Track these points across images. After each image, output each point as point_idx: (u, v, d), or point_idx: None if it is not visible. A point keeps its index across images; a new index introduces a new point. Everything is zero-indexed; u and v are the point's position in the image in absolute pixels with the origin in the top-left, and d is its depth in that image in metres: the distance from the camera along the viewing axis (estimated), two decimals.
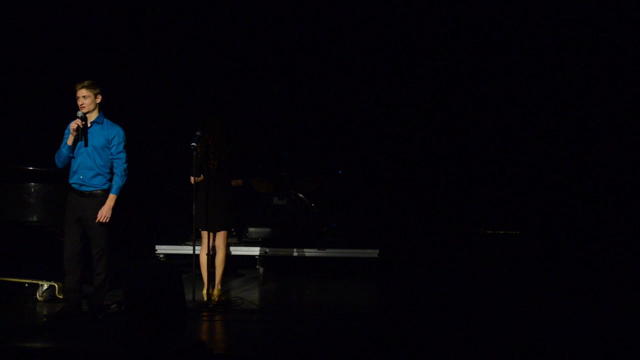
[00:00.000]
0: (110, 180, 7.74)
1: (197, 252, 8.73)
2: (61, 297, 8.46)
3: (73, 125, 7.64)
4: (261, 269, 11.29)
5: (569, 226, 13.24)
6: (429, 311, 8.48)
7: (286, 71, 13.72)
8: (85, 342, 7.02)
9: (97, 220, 7.63)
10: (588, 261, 11.88)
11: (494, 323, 7.81)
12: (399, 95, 13.80)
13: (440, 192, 13.85)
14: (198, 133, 8.53)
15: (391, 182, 13.96)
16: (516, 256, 12.54)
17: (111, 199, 7.69)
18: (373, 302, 9.32)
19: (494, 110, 13.65)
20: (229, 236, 8.96)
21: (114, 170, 7.75)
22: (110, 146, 7.74)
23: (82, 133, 7.69)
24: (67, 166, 7.81)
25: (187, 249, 11.10)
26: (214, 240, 8.78)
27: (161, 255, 11.54)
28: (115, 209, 7.75)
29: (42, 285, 8.81)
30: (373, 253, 11.28)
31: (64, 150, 7.73)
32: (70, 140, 7.69)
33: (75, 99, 7.74)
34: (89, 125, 7.75)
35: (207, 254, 8.71)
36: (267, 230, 12.00)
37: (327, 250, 11.48)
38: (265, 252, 11.34)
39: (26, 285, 9.07)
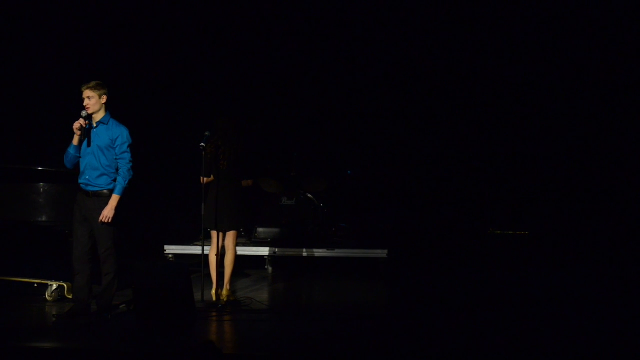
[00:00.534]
0: (116, 180, 7.77)
1: (206, 252, 8.73)
2: (70, 297, 8.48)
3: (76, 125, 7.68)
4: (270, 269, 11.30)
5: (578, 226, 13.19)
6: (438, 311, 8.46)
7: (295, 71, 13.70)
8: (94, 342, 7.03)
9: (99, 220, 7.65)
10: (597, 261, 11.83)
11: (504, 323, 7.79)
12: (408, 96, 13.77)
13: (449, 192, 13.82)
14: (207, 133, 8.53)
15: (400, 182, 13.93)
16: (525, 256, 12.50)
17: (114, 199, 7.70)
18: (382, 302, 9.29)
19: (504, 110, 13.61)
20: (237, 236, 8.95)
21: (119, 170, 7.77)
22: (115, 146, 7.76)
23: (85, 133, 7.72)
24: (77, 167, 7.84)
25: (196, 249, 11.10)
26: (223, 240, 8.78)
27: (170, 256, 11.55)
28: (122, 209, 7.77)
29: (51, 285, 8.83)
30: (382, 253, 11.28)
31: (70, 151, 7.78)
32: (75, 140, 7.74)
33: (81, 99, 7.78)
34: (94, 125, 7.78)
35: (216, 254, 8.71)
36: (276, 230, 12.01)
37: (336, 250, 11.48)
38: (274, 252, 11.35)
39: (35, 285, 9.09)
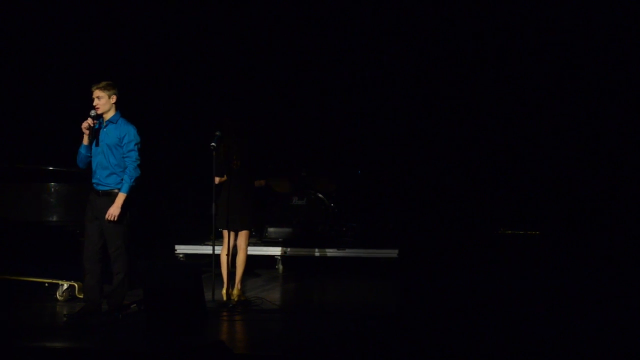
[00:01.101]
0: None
1: (217, 252, 8.73)
2: (81, 296, 8.49)
3: (84, 124, 7.72)
4: (281, 269, 11.30)
5: (589, 226, 13.15)
6: (449, 311, 8.44)
7: (306, 71, 13.69)
8: (105, 342, 7.04)
9: (105, 219, 7.67)
10: (608, 261, 11.80)
11: (514, 323, 7.76)
12: (418, 96, 13.75)
13: (460, 191, 13.79)
14: (217, 133, 8.52)
15: (410, 182, 13.91)
16: (536, 256, 12.47)
17: (120, 198, 7.71)
18: (393, 302, 9.28)
19: (514, 109, 13.58)
20: (249, 236, 8.94)
21: (126, 168, 7.78)
22: (122, 144, 7.78)
23: (94, 133, 7.75)
24: (90, 166, 7.87)
25: (206, 249, 11.10)
26: (234, 240, 8.77)
27: (181, 255, 11.56)
28: (132, 208, 7.79)
29: (62, 285, 8.85)
30: (392, 253, 11.27)
31: (81, 151, 7.83)
32: (85, 140, 7.78)
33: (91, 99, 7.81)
34: (104, 124, 7.80)
35: (227, 254, 8.70)
36: (286, 230, 12.02)
37: (347, 250, 11.48)
38: (285, 252, 11.35)
39: (46, 285, 9.12)
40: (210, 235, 8.68)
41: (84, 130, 7.73)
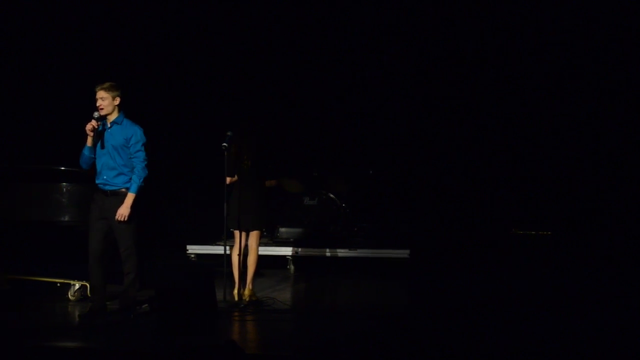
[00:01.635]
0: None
1: (228, 252, 8.73)
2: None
3: (88, 126, 7.70)
4: (292, 269, 11.30)
5: (601, 226, 13.11)
6: (461, 311, 8.42)
7: (319, 70, 13.68)
8: (116, 342, 7.04)
9: (115, 219, 7.69)
10: (621, 262, 11.75)
11: (526, 324, 7.74)
12: (431, 97, 13.73)
13: (471, 192, 13.76)
14: (229, 133, 8.51)
15: (422, 182, 13.89)
16: (548, 257, 12.44)
17: (129, 198, 7.73)
18: (404, 303, 9.28)
19: (526, 108, 13.54)
20: (260, 236, 8.93)
21: (134, 168, 7.81)
22: (129, 145, 7.80)
23: (98, 134, 7.76)
24: (94, 167, 7.88)
25: (218, 249, 11.13)
26: (246, 240, 8.77)
27: (192, 255, 11.57)
28: (142, 208, 7.81)
29: (73, 284, 8.86)
30: (404, 253, 11.26)
31: (85, 152, 7.82)
32: (89, 142, 7.76)
33: (94, 100, 7.81)
34: (109, 125, 7.81)
35: (238, 254, 8.70)
36: (298, 230, 12.02)
37: (358, 250, 11.48)
38: (297, 252, 11.35)
39: (58, 285, 9.14)
40: (222, 235, 8.68)
41: (88, 132, 7.73)
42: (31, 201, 8.69)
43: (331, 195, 12.47)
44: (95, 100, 7.76)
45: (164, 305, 7.36)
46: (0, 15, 12.61)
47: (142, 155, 7.82)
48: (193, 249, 11.59)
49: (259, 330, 7.66)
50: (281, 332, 7.56)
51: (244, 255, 8.74)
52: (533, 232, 13.54)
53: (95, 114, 7.72)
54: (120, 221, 7.69)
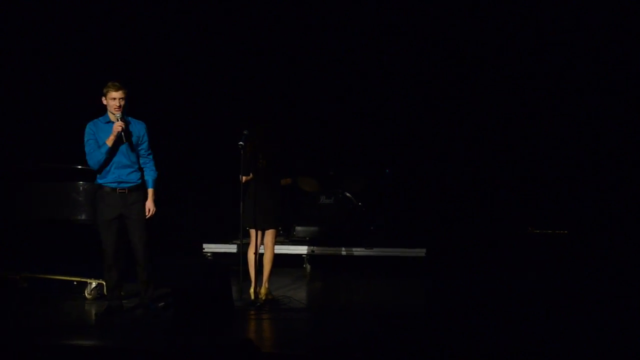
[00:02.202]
0: (142, 175, 7.94)
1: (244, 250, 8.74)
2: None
3: (118, 128, 7.70)
4: (308, 268, 11.29)
5: (618, 226, 13.04)
6: (477, 310, 8.40)
7: (335, 69, 13.66)
8: (132, 340, 7.06)
9: (147, 215, 7.85)
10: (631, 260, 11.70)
11: (542, 323, 7.71)
12: (446, 96, 13.69)
13: (488, 190, 13.73)
14: (245, 132, 8.51)
15: (438, 181, 13.86)
16: (564, 256, 12.39)
17: (153, 193, 7.96)
18: (420, 302, 9.26)
19: (545, 108, 13.49)
20: (276, 235, 8.93)
21: (147, 165, 8.00)
22: (142, 142, 7.92)
23: (126, 134, 7.78)
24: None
25: (234, 248, 11.14)
26: (262, 238, 8.77)
27: (209, 254, 11.58)
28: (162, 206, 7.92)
29: (90, 283, 8.89)
30: (420, 252, 11.24)
31: (103, 152, 7.78)
32: (110, 142, 7.75)
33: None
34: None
35: (254, 253, 8.70)
36: (314, 229, 12.02)
37: (374, 249, 11.46)
38: (313, 251, 11.35)
39: (75, 283, 9.17)
40: (238, 234, 8.69)
41: (115, 133, 7.73)
42: (48, 200, 8.72)
43: (347, 194, 12.46)
44: (110, 101, 7.73)
45: (180, 304, 7.37)
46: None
47: (150, 150, 8.00)
48: (209, 248, 11.60)
49: (274, 329, 7.65)
50: (297, 331, 7.56)
51: (260, 253, 8.74)
52: (550, 231, 13.48)
53: (118, 115, 7.72)
54: (142, 216, 7.84)
